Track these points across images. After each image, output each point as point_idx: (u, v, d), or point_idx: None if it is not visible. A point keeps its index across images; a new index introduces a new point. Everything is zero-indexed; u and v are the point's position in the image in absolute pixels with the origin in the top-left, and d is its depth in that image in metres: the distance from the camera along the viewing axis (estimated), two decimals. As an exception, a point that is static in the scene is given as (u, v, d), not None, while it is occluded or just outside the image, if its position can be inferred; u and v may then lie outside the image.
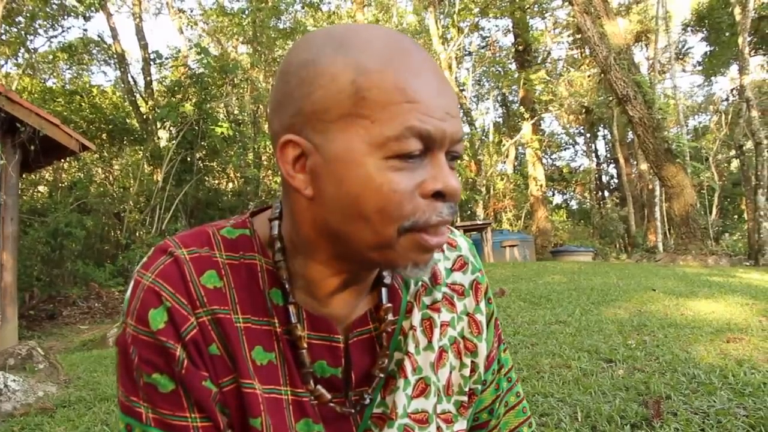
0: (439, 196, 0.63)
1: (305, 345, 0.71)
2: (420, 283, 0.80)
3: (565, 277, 8.84)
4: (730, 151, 24.25)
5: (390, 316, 0.75)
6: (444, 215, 0.64)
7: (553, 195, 30.13)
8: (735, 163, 25.24)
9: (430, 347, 0.78)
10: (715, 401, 2.65)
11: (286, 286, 0.71)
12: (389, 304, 0.75)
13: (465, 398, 0.81)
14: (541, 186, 21.62)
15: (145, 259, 0.71)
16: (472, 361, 0.82)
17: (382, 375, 0.75)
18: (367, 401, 0.75)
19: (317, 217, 0.65)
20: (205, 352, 0.66)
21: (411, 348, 0.76)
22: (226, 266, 0.70)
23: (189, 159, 14.56)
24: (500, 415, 0.90)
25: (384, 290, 0.76)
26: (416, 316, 0.78)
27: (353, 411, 0.74)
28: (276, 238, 0.72)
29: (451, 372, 0.80)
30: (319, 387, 0.72)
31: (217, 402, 0.67)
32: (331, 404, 0.72)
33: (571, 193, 31.23)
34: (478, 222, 15.39)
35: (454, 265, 0.84)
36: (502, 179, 22.98)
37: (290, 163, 0.64)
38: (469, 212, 20.36)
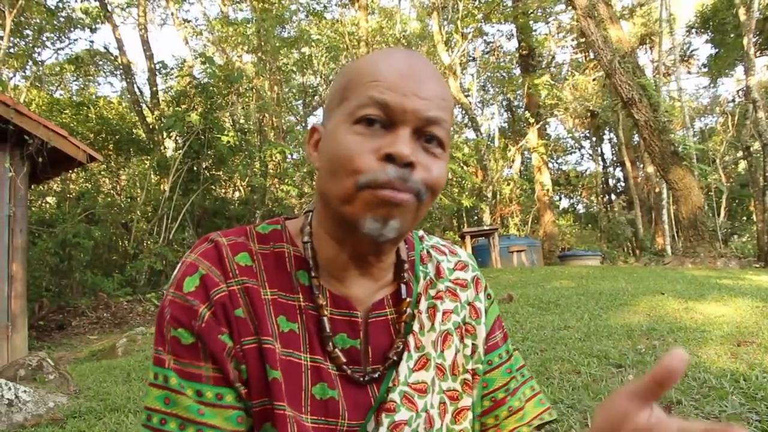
0: (390, 159, 0.73)
1: (326, 314, 0.82)
2: (428, 278, 0.93)
3: (573, 281, 8.81)
4: (737, 152, 24.18)
5: (409, 309, 0.87)
6: (390, 175, 0.73)
7: (560, 199, 30.07)
8: (742, 165, 25.15)
9: (432, 329, 0.89)
10: (726, 406, 2.63)
11: (311, 268, 0.83)
12: (409, 299, 0.88)
13: (468, 376, 0.90)
14: (547, 190, 21.56)
15: (192, 247, 0.85)
16: (472, 343, 0.92)
17: (395, 358, 0.85)
18: (382, 374, 0.84)
19: (320, 186, 0.81)
20: (231, 314, 0.77)
21: (416, 328, 0.87)
22: (258, 253, 0.83)
23: (195, 168, 14.61)
24: (518, 394, 0.96)
25: (404, 286, 0.88)
26: (423, 304, 0.90)
27: (371, 381, 0.83)
28: (307, 225, 0.86)
29: (456, 353, 0.90)
30: (337, 350, 0.81)
31: (233, 357, 0.76)
32: (349, 370, 0.81)
33: (578, 197, 31.16)
34: (485, 228, 15.36)
35: (456, 266, 0.97)
36: (508, 184, 22.94)
37: (312, 145, 0.84)
38: (476, 218, 20.34)
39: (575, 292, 7.22)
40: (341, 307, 0.83)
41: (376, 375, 0.83)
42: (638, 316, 5.33)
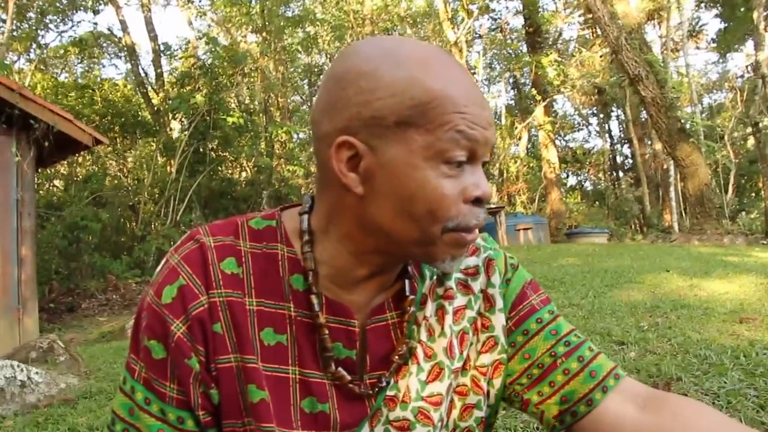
0: (477, 201, 0.72)
1: (326, 331, 0.77)
2: (435, 276, 0.86)
3: (579, 259, 8.82)
4: (746, 128, 23.95)
5: (412, 308, 0.81)
6: (481, 219, 0.73)
7: (567, 177, 29.94)
8: (751, 141, 24.94)
9: (443, 334, 0.83)
10: (725, 382, 2.65)
11: (310, 274, 0.77)
12: (412, 296, 0.82)
13: (477, 374, 0.85)
14: (554, 168, 21.47)
15: (178, 242, 0.80)
16: (488, 337, 0.86)
17: (399, 361, 0.80)
18: (384, 384, 0.79)
19: (364, 213, 0.72)
20: (209, 330, 0.73)
21: (424, 337, 0.82)
22: (248, 254, 0.77)
23: (201, 150, 14.64)
24: (573, 356, 0.86)
25: (407, 281, 0.83)
26: (429, 307, 0.84)
27: (369, 393, 0.79)
28: (305, 231, 0.78)
29: (469, 347, 0.86)
30: (340, 369, 0.77)
31: (201, 381, 0.73)
32: (350, 385, 0.77)
33: (586, 175, 31.02)
34: (492, 206, 15.33)
35: (467, 252, 0.87)
36: (515, 162, 22.85)
37: (344, 162, 0.71)
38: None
39: (581, 270, 7.24)
40: (338, 314, 0.78)
41: (383, 384, 0.79)
42: (642, 293, 5.35)
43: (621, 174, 28.55)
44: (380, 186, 0.70)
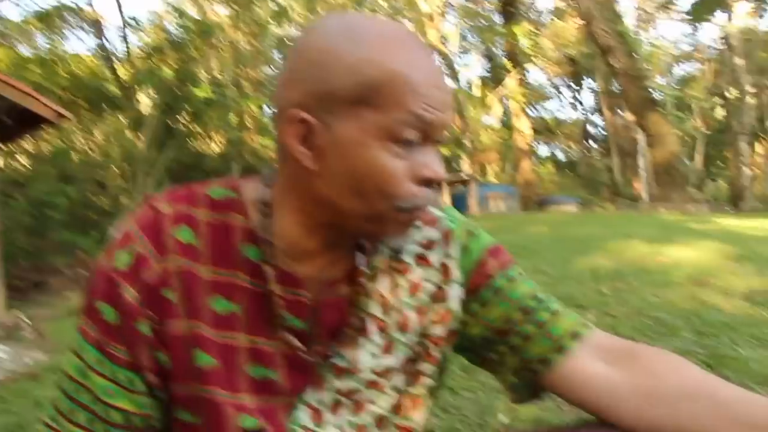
0: (429, 182, 0.72)
1: (279, 301, 0.77)
2: (390, 250, 0.85)
3: (548, 227, 8.93)
4: (715, 99, 24.25)
5: (363, 280, 0.81)
6: (429, 200, 0.74)
7: (539, 147, 30.13)
8: (720, 112, 25.27)
9: (397, 308, 0.83)
10: (678, 342, 2.74)
11: (264, 245, 0.77)
12: (364, 268, 0.82)
13: (429, 343, 0.85)
14: (526, 138, 21.57)
15: (135, 208, 0.81)
16: (444, 308, 0.85)
17: (350, 332, 0.81)
18: (330, 354, 0.80)
19: (316, 188, 0.73)
20: (160, 296, 0.74)
21: (376, 310, 0.82)
22: (203, 224, 0.77)
23: (171, 123, 14.42)
24: (530, 321, 0.86)
25: (359, 254, 0.82)
26: (383, 281, 0.83)
27: (319, 362, 0.80)
28: (262, 202, 0.78)
29: (425, 320, 0.85)
30: (288, 335, 0.78)
31: (150, 344, 0.74)
32: (298, 353, 0.78)
33: (558, 145, 31.24)
34: (463, 175, 15.41)
35: (425, 224, 0.88)
36: (487, 132, 22.88)
37: (297, 136, 0.71)
38: (454, 166, 20.34)
39: (549, 238, 7.34)
40: (291, 285, 0.78)
41: (330, 354, 0.80)
42: (606, 260, 5.44)
43: (593, 144, 28.81)
44: (332, 162, 0.71)
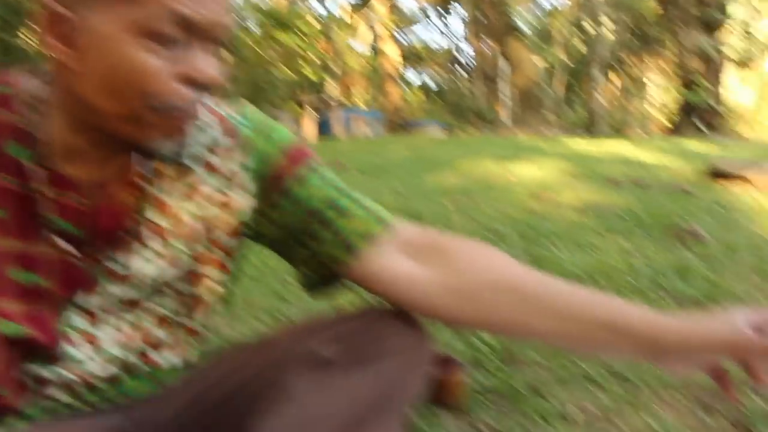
0: (195, 83, 0.67)
1: (50, 204, 0.73)
2: (179, 154, 0.79)
3: (408, 150, 9.06)
4: (575, 30, 25.40)
5: (143, 184, 0.78)
6: (192, 102, 0.68)
7: (409, 73, 30.35)
8: (581, 44, 26.56)
9: (179, 217, 0.80)
10: (505, 248, 2.84)
11: (35, 145, 0.72)
12: (144, 172, 0.78)
13: (223, 254, 0.85)
14: (394, 63, 21.59)
15: None
16: (237, 220, 0.84)
17: (125, 237, 0.78)
18: (102, 259, 0.77)
19: (76, 87, 0.68)
20: None
21: (154, 216, 0.79)
22: None
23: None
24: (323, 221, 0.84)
25: (138, 158, 0.77)
26: (164, 187, 0.79)
27: (92, 265, 0.77)
28: (36, 98, 0.73)
29: (216, 230, 0.84)
30: (56, 238, 0.74)
31: None
32: (69, 257, 0.75)
33: (428, 72, 31.62)
34: (327, 100, 15.23)
35: (220, 132, 0.83)
36: (354, 56, 22.64)
37: (49, 30, 0.66)
38: (320, 91, 20.03)
39: (409, 160, 7.44)
40: (61, 188, 0.74)
41: (102, 258, 0.77)
42: (457, 178, 5.60)
43: (461, 71, 29.42)
44: (86, 58, 0.66)
